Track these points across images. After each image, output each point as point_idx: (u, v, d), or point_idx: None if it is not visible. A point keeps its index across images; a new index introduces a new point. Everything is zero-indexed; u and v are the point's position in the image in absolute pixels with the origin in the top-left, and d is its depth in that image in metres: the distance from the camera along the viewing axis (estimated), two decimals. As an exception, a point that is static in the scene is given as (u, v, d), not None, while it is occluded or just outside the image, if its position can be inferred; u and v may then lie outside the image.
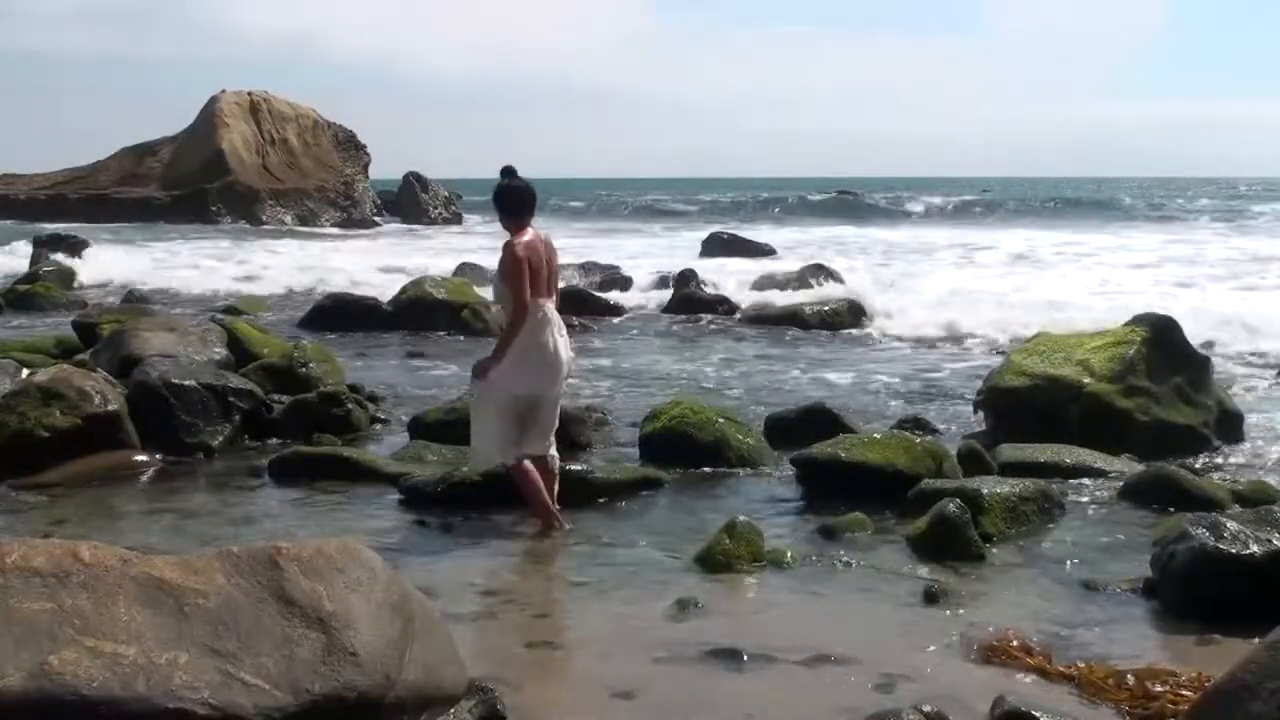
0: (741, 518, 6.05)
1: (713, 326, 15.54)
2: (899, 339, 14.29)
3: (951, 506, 6.07)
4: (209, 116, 42.82)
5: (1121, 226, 40.64)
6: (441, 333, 15.25)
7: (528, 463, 6.40)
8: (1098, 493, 7.25)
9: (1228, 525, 5.28)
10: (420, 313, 15.76)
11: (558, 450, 6.68)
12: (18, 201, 41.66)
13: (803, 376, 11.64)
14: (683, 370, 12.18)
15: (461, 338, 15.00)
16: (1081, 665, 4.52)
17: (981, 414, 9.13)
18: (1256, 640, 3.40)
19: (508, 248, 6.38)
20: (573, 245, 30.79)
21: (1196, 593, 5.16)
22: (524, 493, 6.44)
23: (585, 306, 16.93)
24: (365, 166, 46.62)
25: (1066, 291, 17.79)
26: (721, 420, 8.16)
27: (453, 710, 3.85)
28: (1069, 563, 5.96)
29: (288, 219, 41.54)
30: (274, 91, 45.11)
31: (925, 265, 24.85)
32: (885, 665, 4.53)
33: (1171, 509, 6.60)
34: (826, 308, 16.35)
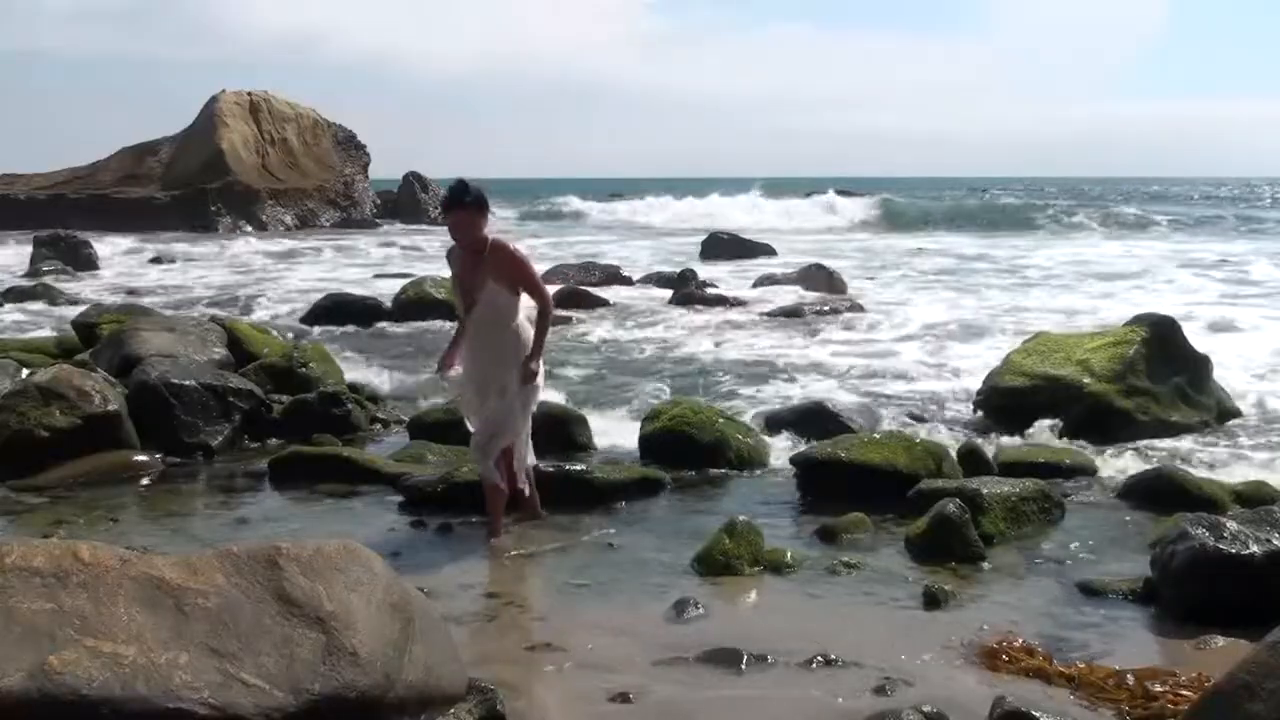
0: (741, 518, 6.05)
1: (711, 325, 15.52)
2: (898, 338, 14.26)
3: (951, 507, 6.07)
4: (209, 116, 42.74)
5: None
6: (441, 333, 15.27)
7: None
8: (1098, 493, 7.25)
9: (1228, 525, 5.28)
10: (420, 313, 15.82)
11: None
12: (18, 201, 41.59)
13: (802, 375, 11.62)
14: (681, 369, 12.17)
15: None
16: (1081, 666, 4.52)
17: (981, 414, 9.14)
18: (1256, 641, 3.40)
19: (515, 251, 6.34)
20: (573, 245, 30.80)
21: (1196, 593, 5.16)
22: (502, 497, 6.49)
23: (584, 305, 16.96)
24: (365, 166, 46.56)
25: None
26: (721, 420, 8.16)
27: (453, 710, 3.85)
28: (1069, 563, 5.96)
29: (287, 219, 41.47)
30: (274, 91, 45.09)
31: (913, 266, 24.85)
32: (885, 666, 4.53)
33: (1171, 509, 6.60)
34: (826, 307, 16.37)
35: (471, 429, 6.56)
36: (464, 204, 6.19)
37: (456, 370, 6.57)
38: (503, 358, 6.29)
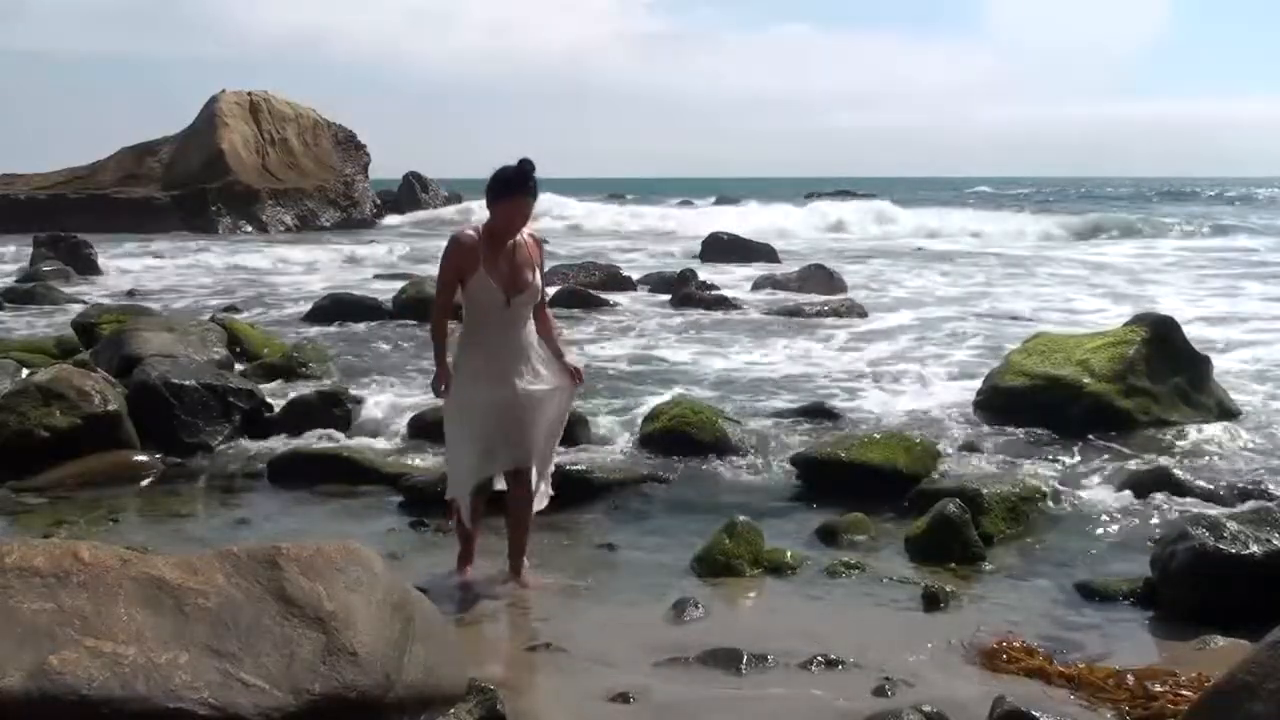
0: (741, 518, 6.05)
1: (711, 325, 15.53)
2: (898, 337, 14.26)
3: (951, 507, 6.07)
4: (209, 116, 42.69)
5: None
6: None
7: None
8: (1098, 492, 7.24)
9: (1228, 525, 5.29)
10: (420, 312, 15.78)
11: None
12: (18, 201, 41.58)
13: (802, 375, 11.62)
14: (681, 369, 12.17)
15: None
16: (1081, 666, 4.52)
17: (981, 414, 9.13)
18: (1256, 641, 3.39)
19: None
20: (572, 245, 30.80)
21: (1196, 593, 5.16)
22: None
23: (584, 305, 16.96)
24: (365, 166, 46.53)
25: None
26: (721, 420, 8.16)
27: (453, 710, 3.85)
28: (1069, 563, 5.96)
29: (288, 219, 41.46)
30: (274, 91, 45.06)
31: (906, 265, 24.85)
32: (885, 667, 4.53)
33: (1171, 509, 6.60)
34: (827, 307, 16.36)
35: (489, 464, 5.58)
36: (531, 188, 5.45)
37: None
38: (538, 350, 5.58)
